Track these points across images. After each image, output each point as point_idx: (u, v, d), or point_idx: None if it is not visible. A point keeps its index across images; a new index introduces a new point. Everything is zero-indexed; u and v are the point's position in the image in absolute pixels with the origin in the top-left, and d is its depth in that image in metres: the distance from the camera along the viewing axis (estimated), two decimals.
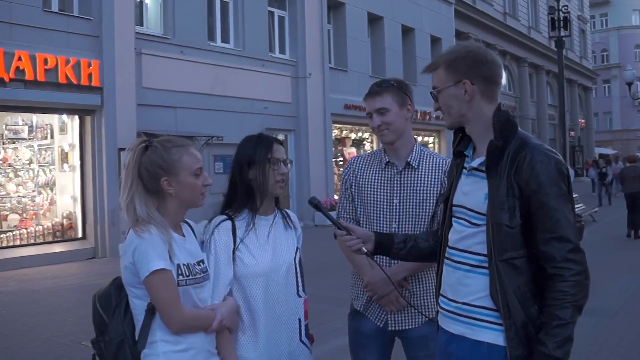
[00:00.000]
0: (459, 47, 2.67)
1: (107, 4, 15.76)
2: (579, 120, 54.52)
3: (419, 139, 28.45)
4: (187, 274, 2.74)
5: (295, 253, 3.19)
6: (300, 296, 3.16)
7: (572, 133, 51.71)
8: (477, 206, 2.53)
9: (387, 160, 3.57)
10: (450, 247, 2.65)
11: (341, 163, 25.41)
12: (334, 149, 24.25)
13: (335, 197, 22.36)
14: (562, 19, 19.07)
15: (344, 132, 25.84)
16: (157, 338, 2.70)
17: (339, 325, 7.42)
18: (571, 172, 41.83)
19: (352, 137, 26.34)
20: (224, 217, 3.05)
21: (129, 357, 2.68)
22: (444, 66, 2.63)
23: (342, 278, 10.09)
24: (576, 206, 16.56)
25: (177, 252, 2.72)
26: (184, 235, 2.87)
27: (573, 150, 50.68)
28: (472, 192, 2.58)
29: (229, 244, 2.98)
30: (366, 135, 26.72)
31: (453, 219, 2.68)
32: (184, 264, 2.74)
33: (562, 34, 18.58)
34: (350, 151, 25.99)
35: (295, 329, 3.12)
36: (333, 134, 24.24)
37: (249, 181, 3.06)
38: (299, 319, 3.15)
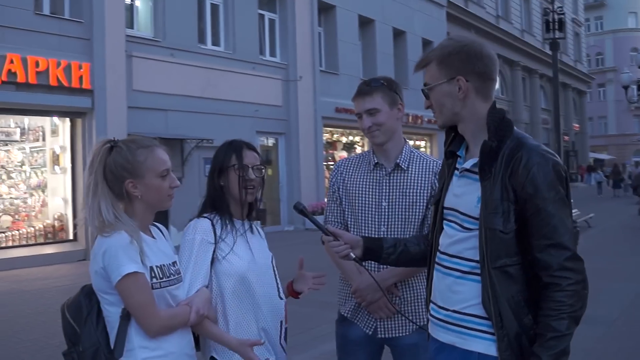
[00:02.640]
0: (452, 41, 2.51)
1: (98, 6, 15.85)
2: (573, 124, 54.41)
3: (410, 142, 28.25)
4: (161, 276, 2.67)
5: (271, 258, 3.19)
6: (281, 298, 3.14)
7: (567, 138, 51.46)
8: (470, 210, 2.41)
9: (376, 161, 3.46)
10: (441, 252, 2.53)
11: (332, 166, 25.22)
12: (325, 152, 24.16)
13: (326, 200, 22.30)
14: (556, 20, 18.94)
15: (335, 135, 25.79)
16: (135, 345, 2.60)
17: (328, 330, 7.02)
18: None
19: (343, 141, 26.30)
20: (202, 218, 3.03)
21: None
22: (436, 62, 2.49)
23: (331, 282, 10.14)
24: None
25: (149, 254, 2.64)
26: (154, 237, 2.79)
27: (567, 155, 50.60)
28: (464, 194, 2.46)
29: (210, 244, 2.96)
30: (357, 138, 26.70)
31: (444, 222, 2.55)
32: (157, 266, 2.67)
33: (557, 35, 18.38)
34: (342, 154, 25.85)
35: (277, 331, 3.08)
36: (324, 138, 24.19)
37: (220, 187, 3.06)
38: (281, 322, 3.11)
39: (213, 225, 3.00)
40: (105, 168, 2.68)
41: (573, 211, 16.50)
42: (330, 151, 25.41)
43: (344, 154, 25.97)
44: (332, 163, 25.23)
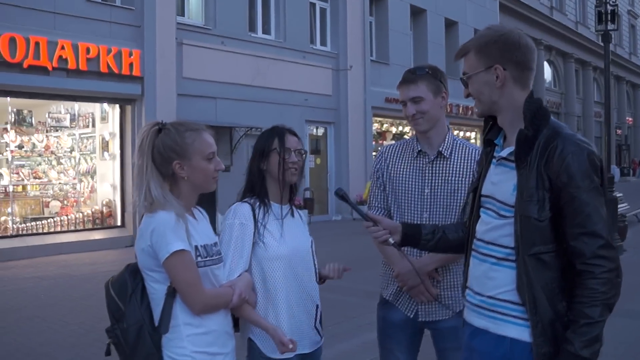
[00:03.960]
0: (491, 30, 2.56)
1: None
2: (627, 118, 53.50)
3: (460, 134, 28.13)
4: (205, 255, 2.76)
5: (311, 243, 3.26)
6: (318, 283, 3.23)
7: (619, 131, 50.87)
8: (506, 197, 2.44)
9: (419, 149, 3.51)
10: (478, 239, 2.58)
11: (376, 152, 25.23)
12: (374, 142, 24.10)
13: (370, 186, 22.23)
14: (609, 11, 18.44)
15: (385, 125, 25.70)
16: (180, 321, 2.69)
17: (371, 320, 7.04)
18: (616, 171, 41.47)
19: (393, 131, 26.14)
20: (243, 202, 3.11)
21: (149, 342, 2.66)
22: (475, 51, 2.53)
23: (377, 271, 10.04)
24: (620, 206, 16.36)
25: (193, 234, 2.72)
26: (196, 219, 2.88)
27: (619, 149, 49.81)
28: (501, 182, 2.50)
29: (249, 228, 3.03)
30: (407, 129, 26.47)
31: (481, 209, 2.60)
32: (201, 245, 2.76)
33: (609, 27, 17.90)
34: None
35: (312, 314, 3.16)
36: (373, 128, 24.16)
37: (263, 171, 3.14)
38: (317, 305, 3.19)
39: (253, 209, 3.08)
40: (154, 149, 2.76)
41: (622, 205, 15.98)
42: (380, 141, 25.24)
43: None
44: None
